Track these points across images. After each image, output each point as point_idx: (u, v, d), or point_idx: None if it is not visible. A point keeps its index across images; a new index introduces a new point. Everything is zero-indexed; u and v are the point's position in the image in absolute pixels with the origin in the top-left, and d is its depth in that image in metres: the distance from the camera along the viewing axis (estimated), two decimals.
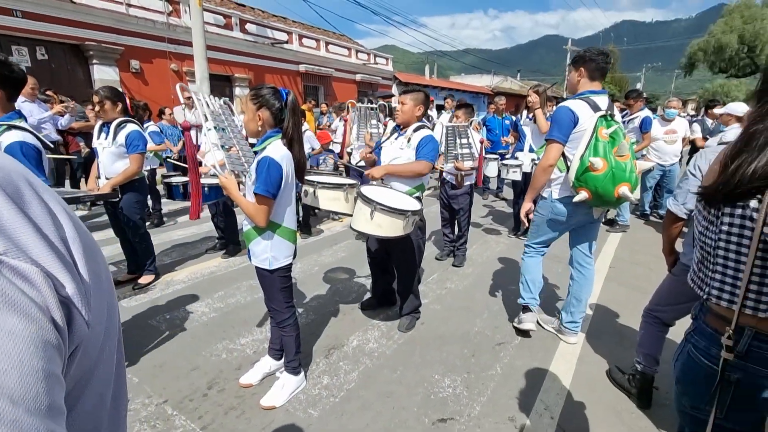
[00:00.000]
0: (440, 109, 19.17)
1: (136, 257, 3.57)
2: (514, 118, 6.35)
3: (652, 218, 6.15)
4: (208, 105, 1.89)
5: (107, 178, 3.31)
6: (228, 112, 1.95)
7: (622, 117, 6.70)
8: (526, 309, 2.82)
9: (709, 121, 7.10)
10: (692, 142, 6.26)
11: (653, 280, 3.85)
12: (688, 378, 1.09)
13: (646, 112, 5.46)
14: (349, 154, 5.39)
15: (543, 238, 2.72)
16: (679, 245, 2.08)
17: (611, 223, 5.65)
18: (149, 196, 4.57)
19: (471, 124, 4.44)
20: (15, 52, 8.66)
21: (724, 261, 0.98)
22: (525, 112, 5.14)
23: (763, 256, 0.89)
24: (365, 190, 2.40)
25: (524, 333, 2.82)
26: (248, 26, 13.35)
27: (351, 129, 5.04)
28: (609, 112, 2.39)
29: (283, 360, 2.23)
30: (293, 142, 1.97)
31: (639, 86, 38.09)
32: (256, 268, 2.04)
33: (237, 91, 12.82)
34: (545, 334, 2.85)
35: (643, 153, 5.49)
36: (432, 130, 2.91)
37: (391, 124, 3.11)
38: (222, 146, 1.87)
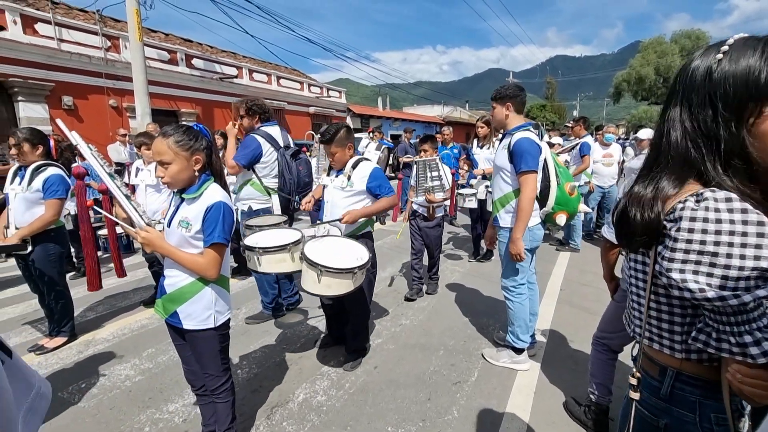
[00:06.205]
0: (395, 138, 19.63)
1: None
2: (458, 147, 6.54)
3: (595, 236, 6.43)
4: (89, 148, 1.66)
5: (17, 228, 2.93)
6: (101, 156, 1.72)
7: (565, 140, 7.16)
8: (521, 350, 2.76)
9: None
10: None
11: (603, 300, 3.92)
12: (624, 425, 1.02)
13: (589, 139, 5.84)
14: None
15: (526, 270, 2.68)
16: (619, 270, 2.10)
17: (561, 242, 5.88)
18: (72, 245, 4.13)
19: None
20: None
21: (638, 298, 0.94)
22: (475, 141, 5.30)
23: (667, 293, 0.86)
24: (309, 249, 2.26)
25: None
26: (195, 61, 13.13)
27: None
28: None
29: None
30: (222, 179, 1.82)
31: (575, 113, 41.52)
32: (191, 332, 1.75)
33: None
34: (501, 369, 2.76)
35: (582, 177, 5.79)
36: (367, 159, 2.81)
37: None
38: (126, 196, 1.66)
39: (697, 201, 0.75)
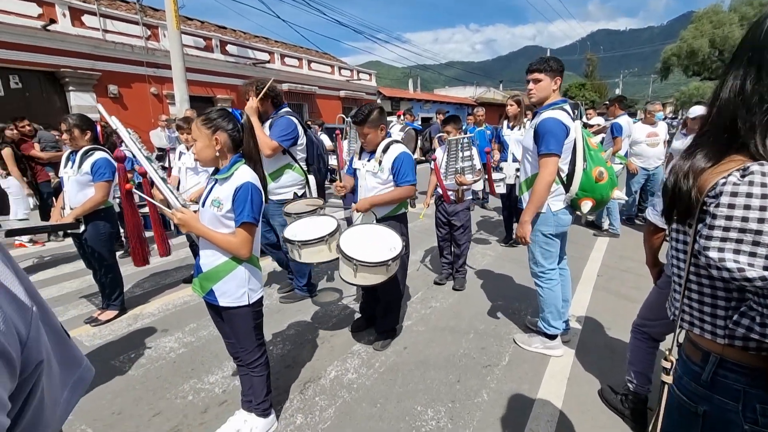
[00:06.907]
0: (425, 120, 19.34)
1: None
2: (490, 129, 6.33)
3: (637, 222, 6.11)
4: (129, 133, 1.74)
5: (71, 209, 3.16)
6: (139, 140, 1.80)
7: (606, 120, 6.77)
8: (554, 336, 2.70)
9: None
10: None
11: (642, 287, 3.76)
12: (665, 409, 0.98)
13: (624, 119, 5.48)
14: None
15: (554, 255, 2.60)
16: (663, 256, 1.99)
17: (597, 227, 5.65)
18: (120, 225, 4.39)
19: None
20: None
21: (679, 279, 0.88)
22: (506, 122, 5.10)
23: (710, 274, 0.79)
24: (345, 241, 2.32)
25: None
26: (229, 47, 13.37)
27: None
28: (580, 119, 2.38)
29: (252, 403, 2.04)
30: (256, 163, 1.87)
31: (618, 91, 39.08)
32: (226, 309, 1.83)
33: None
34: (533, 354, 2.71)
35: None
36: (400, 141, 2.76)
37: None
38: (162, 179, 1.73)
39: (742, 176, 0.70)
